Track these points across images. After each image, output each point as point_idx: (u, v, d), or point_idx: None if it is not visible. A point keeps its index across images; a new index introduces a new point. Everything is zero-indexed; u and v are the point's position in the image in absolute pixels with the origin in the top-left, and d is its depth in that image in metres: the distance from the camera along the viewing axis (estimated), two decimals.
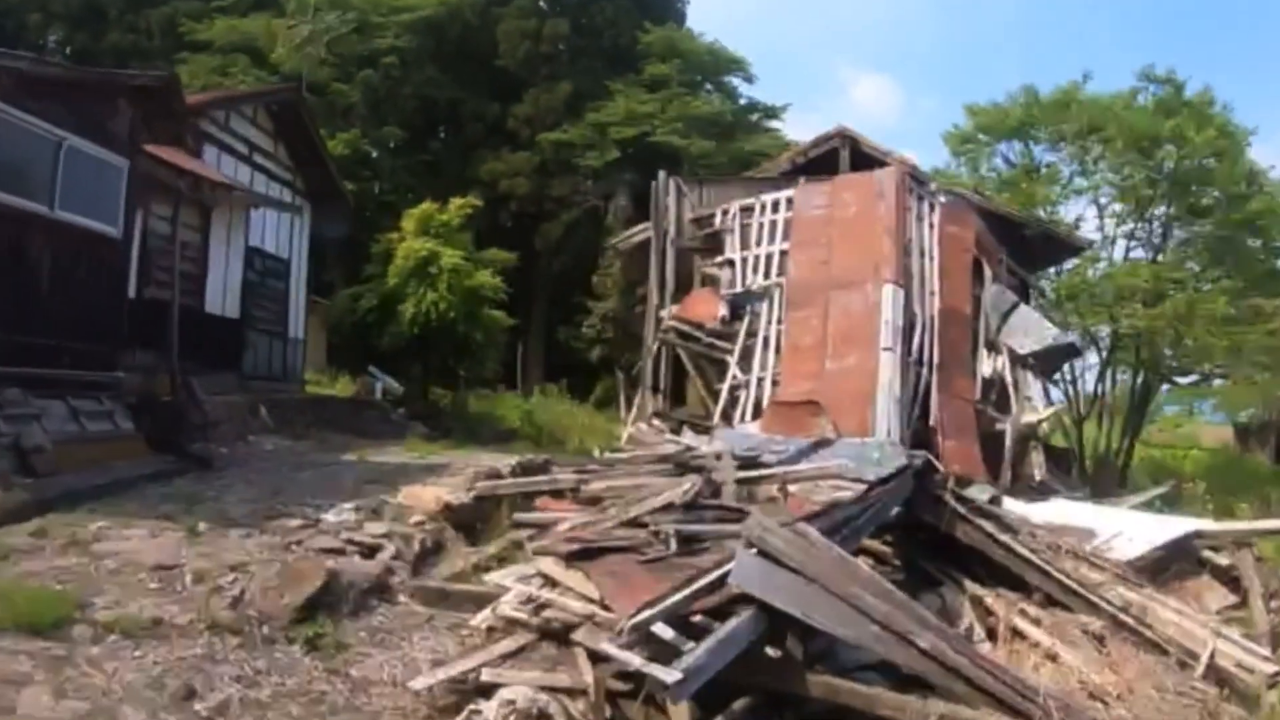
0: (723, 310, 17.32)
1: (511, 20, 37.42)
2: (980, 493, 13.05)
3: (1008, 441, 15.98)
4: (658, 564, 8.12)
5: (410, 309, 19.88)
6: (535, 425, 23.67)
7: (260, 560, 8.16)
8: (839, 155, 19.38)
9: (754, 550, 7.06)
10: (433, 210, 21.76)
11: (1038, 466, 16.02)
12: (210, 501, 10.29)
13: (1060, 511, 12.95)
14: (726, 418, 16.13)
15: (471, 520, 11.88)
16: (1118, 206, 23.80)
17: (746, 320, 17.15)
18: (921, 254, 17.14)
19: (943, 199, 18.43)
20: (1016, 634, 9.12)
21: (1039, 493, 15.09)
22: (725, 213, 18.63)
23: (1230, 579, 11.14)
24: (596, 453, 15.01)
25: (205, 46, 35.08)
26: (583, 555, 8.18)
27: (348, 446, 15.42)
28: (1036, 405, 16.76)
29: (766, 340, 16.67)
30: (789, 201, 18.27)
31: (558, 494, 11.93)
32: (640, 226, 20.13)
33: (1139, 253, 24.79)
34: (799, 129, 40.81)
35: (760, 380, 16.27)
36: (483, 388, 25.63)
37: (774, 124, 42.26)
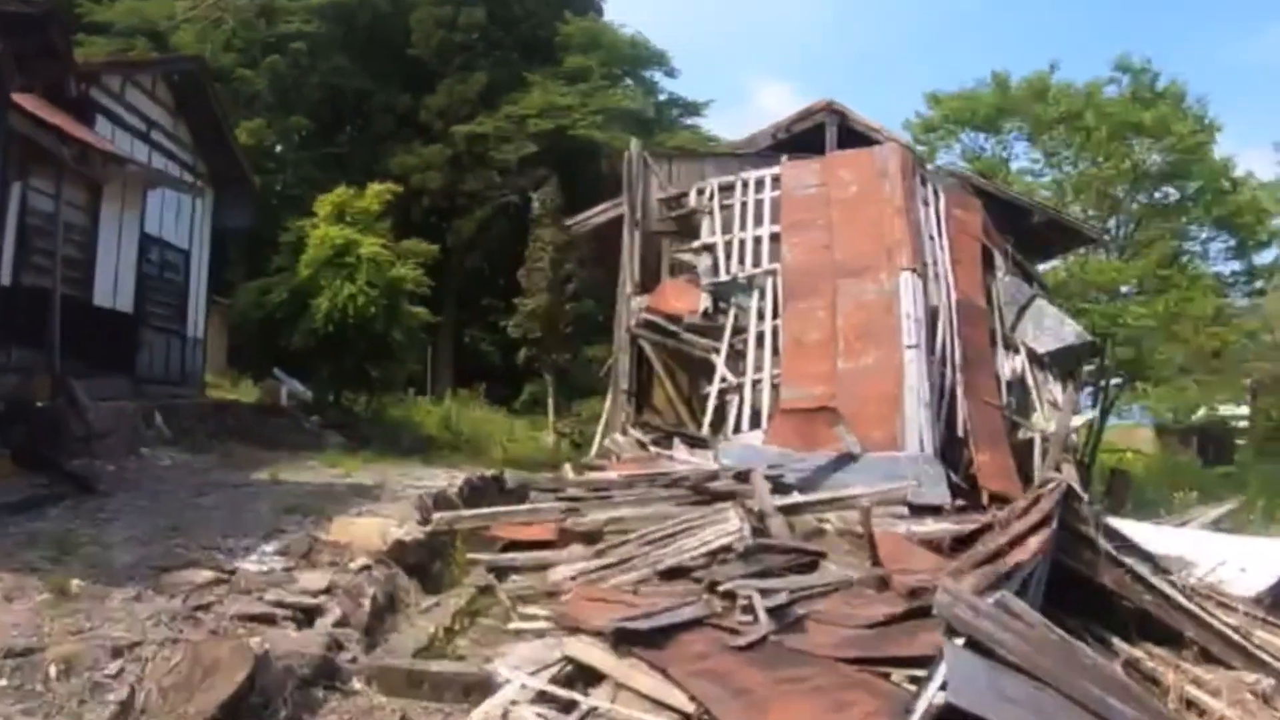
0: (704, 302, 14.78)
1: (425, 7, 35.25)
2: None
3: (1038, 452, 13.81)
4: (763, 652, 5.50)
5: (325, 304, 17.02)
6: (455, 432, 21.98)
7: (156, 639, 5.48)
8: (824, 132, 17.00)
9: (963, 641, 4.62)
10: (349, 195, 18.93)
11: (1071, 480, 13.83)
12: (89, 544, 7.33)
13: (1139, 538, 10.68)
14: (716, 427, 13.57)
15: (425, 560, 9.29)
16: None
17: (732, 314, 14.64)
18: (931, 239, 14.89)
19: (945, 180, 16.27)
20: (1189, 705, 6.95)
21: None
22: (701, 192, 16.14)
23: None
24: (569, 471, 12.29)
25: (104, 29, 31.72)
26: (636, 636, 5.55)
27: (257, 461, 12.48)
28: (1062, 410, 14.63)
29: (761, 336, 14.16)
30: (775, 180, 15.86)
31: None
32: (600, 207, 17.49)
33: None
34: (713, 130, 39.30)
35: (757, 383, 13.74)
36: (394, 392, 22.96)
37: (695, 120, 40.87)
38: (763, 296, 14.59)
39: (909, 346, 13.10)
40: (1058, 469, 13.80)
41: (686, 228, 16.29)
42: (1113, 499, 15.99)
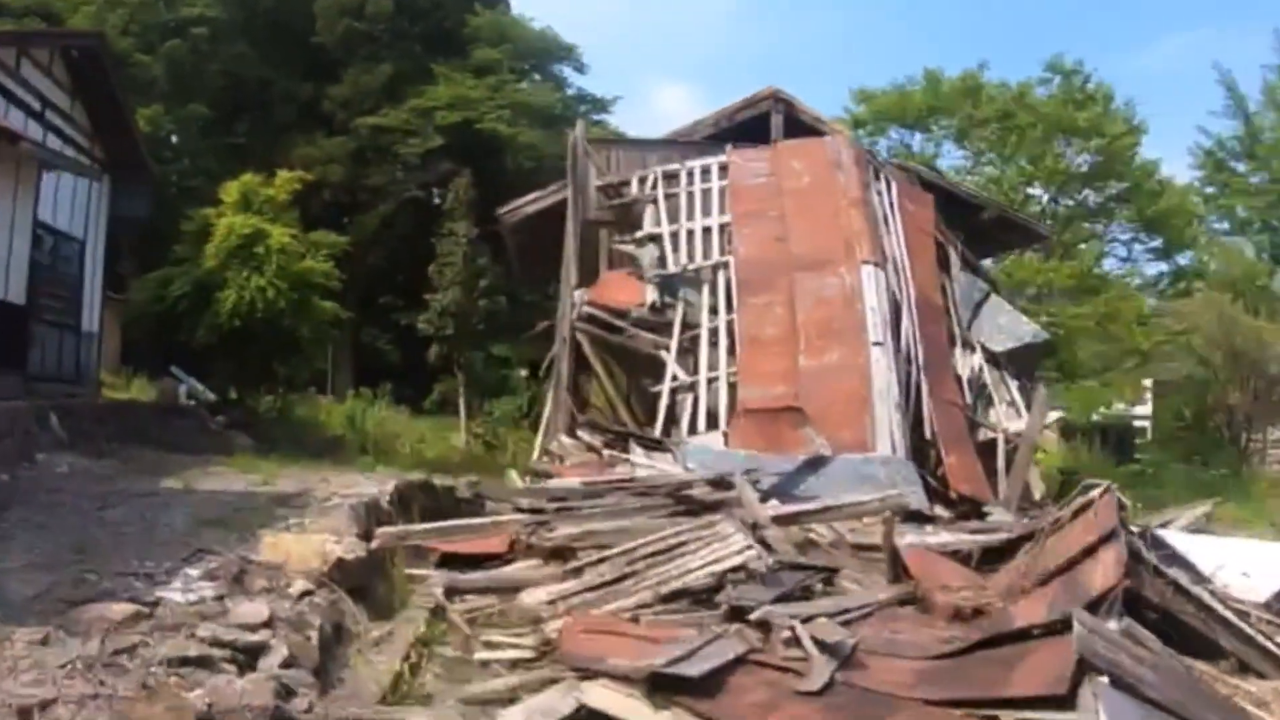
0: (651, 295, 13.79)
1: None
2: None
3: (1001, 452, 13.24)
4: (838, 696, 4.56)
5: (231, 297, 15.50)
6: (362, 433, 20.61)
7: (73, 696, 4.37)
8: (768, 121, 16.18)
9: (1108, 679, 3.78)
10: (256, 182, 17.44)
11: (1036, 483, 13.33)
12: None
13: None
14: (668, 428, 12.62)
15: (365, 579, 8.14)
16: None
17: (680, 308, 13.70)
18: (888, 234, 14.22)
19: (896, 174, 15.64)
20: None
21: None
22: (643, 181, 15.17)
23: None
24: (516, 478, 11.19)
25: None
26: (678, 681, 4.57)
27: (164, 467, 11.09)
28: (1020, 410, 14.11)
29: (714, 332, 13.26)
30: (722, 169, 15.00)
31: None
32: (532, 195, 16.38)
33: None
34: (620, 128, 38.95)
35: (711, 382, 12.82)
36: (298, 391, 21.61)
37: (603, 117, 40.06)
38: (714, 290, 13.71)
39: (875, 344, 12.38)
40: (1026, 466, 13.40)
41: (627, 218, 15.30)
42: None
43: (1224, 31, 72.15)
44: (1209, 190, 28.14)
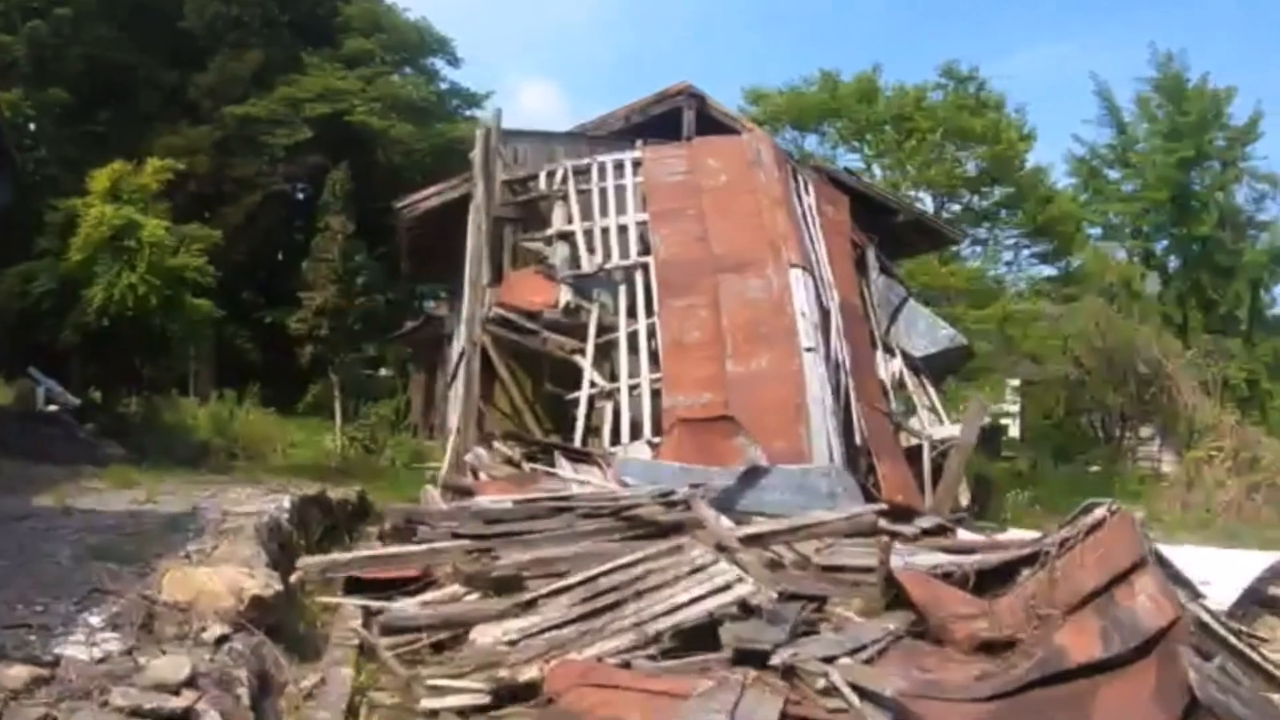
0: (564, 296, 12.98)
1: None
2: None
3: (926, 459, 12.98)
4: None
5: (100, 294, 13.99)
6: (231, 437, 19.51)
7: None
8: (680, 117, 15.57)
9: None
10: (125, 170, 15.89)
11: (964, 490, 13.10)
12: None
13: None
14: (586, 440, 11.84)
15: (281, 615, 7.17)
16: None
17: (595, 310, 12.95)
18: (809, 236, 13.78)
19: (811, 174, 15.26)
20: None
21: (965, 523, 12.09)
22: (551, 175, 14.34)
23: None
24: (436, 494, 10.24)
25: None
26: None
27: (33, 481, 9.81)
28: (941, 416, 13.89)
29: (634, 336, 12.55)
30: (635, 164, 14.31)
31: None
32: (435, 188, 15.31)
33: None
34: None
35: (634, 388, 12.10)
36: (165, 393, 20.14)
37: (475, 112, 39.04)
38: (631, 292, 12.99)
39: (807, 350, 11.87)
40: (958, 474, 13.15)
41: (533, 214, 14.47)
42: (978, 506, 15.40)
43: (1083, 44, 75.80)
44: (1083, 197, 29.03)
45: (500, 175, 14.57)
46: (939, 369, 14.74)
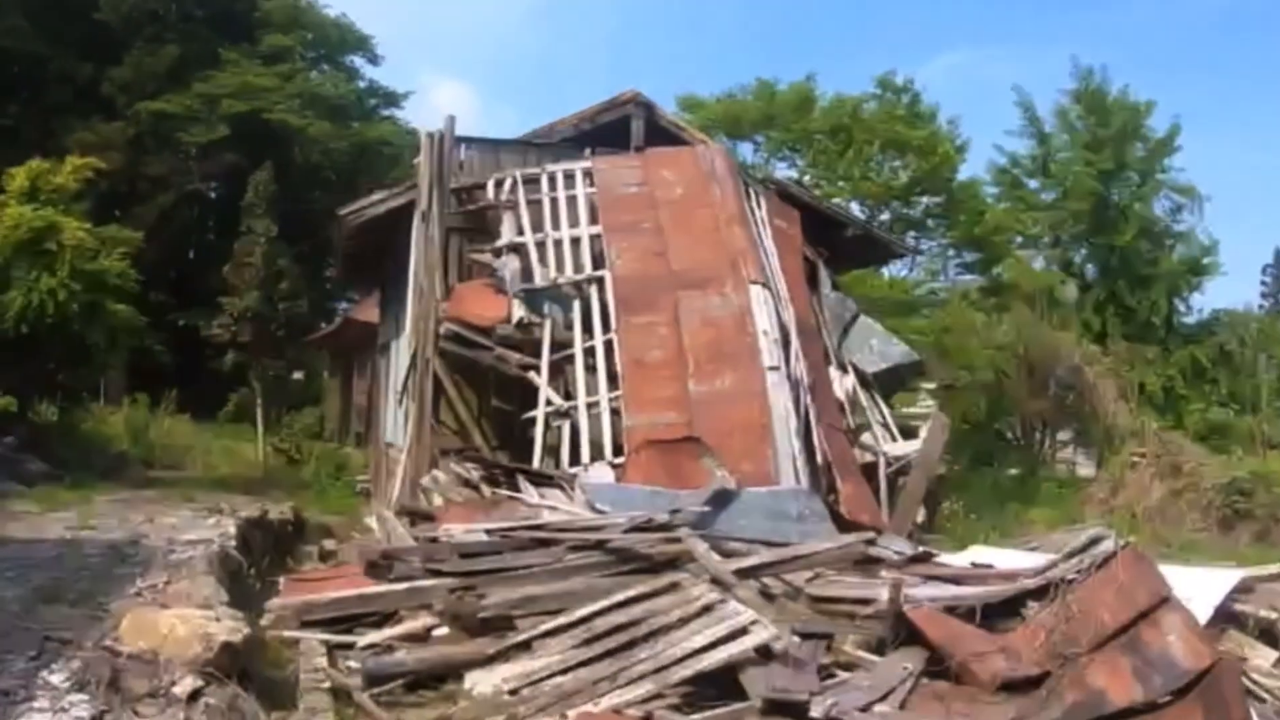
0: (518, 310, 12.59)
1: None
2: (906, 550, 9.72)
3: (883, 476, 12.92)
4: None
5: (19, 300, 13.18)
6: (148, 447, 19.46)
7: None
8: (629, 126, 15.27)
9: None
10: (43, 168, 15.01)
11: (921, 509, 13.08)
12: None
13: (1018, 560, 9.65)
14: (543, 461, 11.48)
15: (250, 658, 6.79)
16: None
17: (549, 325, 12.59)
18: (764, 251, 13.61)
19: (761, 187, 15.10)
20: None
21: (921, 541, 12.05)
22: (500, 184, 13.92)
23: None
24: (396, 522, 9.79)
25: None
26: None
27: None
28: (894, 433, 13.85)
29: (590, 353, 12.22)
30: (587, 175, 13.98)
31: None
32: (379, 195, 14.73)
33: None
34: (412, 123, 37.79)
35: (592, 407, 11.77)
36: (77, 402, 19.31)
37: (393, 112, 38.66)
38: (586, 307, 12.66)
39: (771, 369, 11.67)
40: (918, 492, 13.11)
41: (480, 224, 14.04)
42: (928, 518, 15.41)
43: (989, 52, 77.60)
44: (1004, 206, 29.56)
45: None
46: (889, 385, 14.71)
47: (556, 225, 13.44)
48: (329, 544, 13.92)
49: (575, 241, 13.26)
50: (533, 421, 11.98)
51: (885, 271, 24.84)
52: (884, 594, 6.88)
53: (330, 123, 31.75)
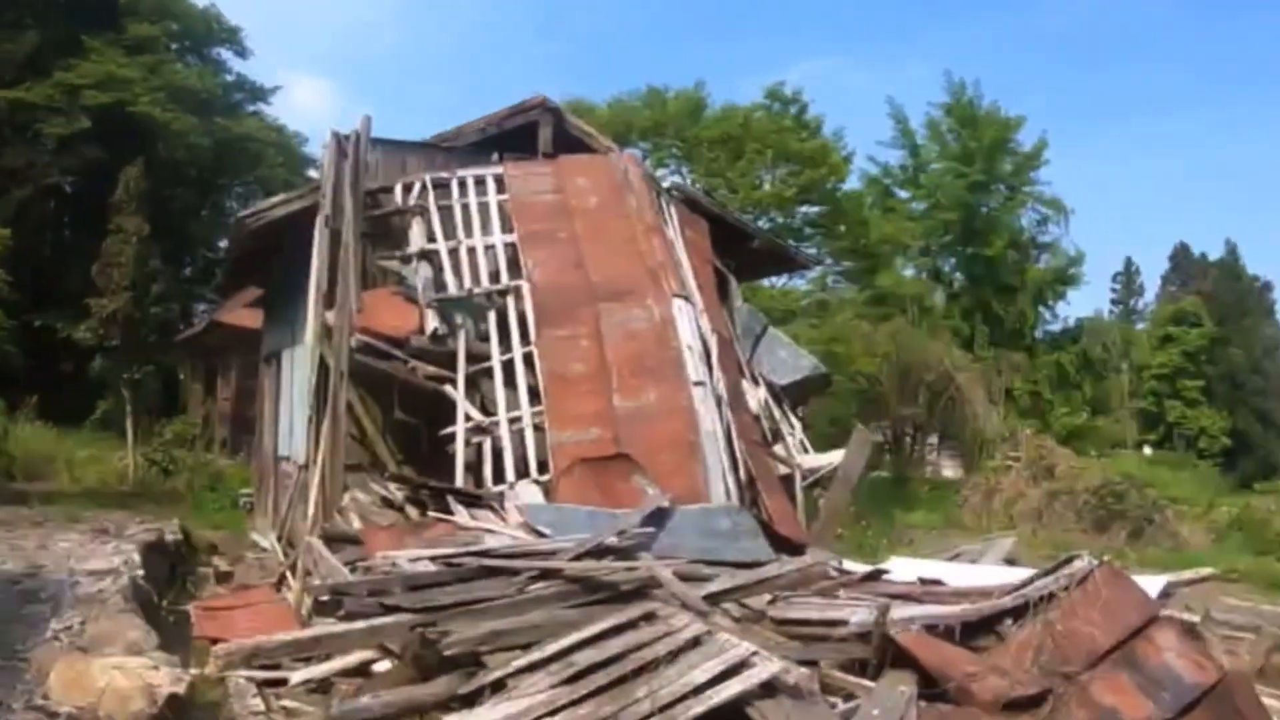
0: (431, 321, 12.15)
1: None
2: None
3: (799, 490, 12.97)
4: None
5: None
6: (7, 456, 18.89)
7: None
8: (537, 131, 14.93)
9: None
10: None
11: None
12: None
13: (962, 575, 9.80)
14: (477, 482, 11.08)
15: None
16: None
17: (462, 337, 12.19)
18: (679, 262, 13.49)
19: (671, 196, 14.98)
20: None
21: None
22: (408, 189, 13.42)
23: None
24: (320, 548, 9.27)
25: None
26: None
27: None
28: (806, 446, 13.93)
29: (510, 366, 11.86)
30: (498, 181, 13.61)
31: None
32: (280, 198, 13.98)
33: None
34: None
35: (514, 422, 11.42)
36: None
37: (260, 107, 37.30)
38: (503, 319, 12.29)
39: (696, 384, 11.56)
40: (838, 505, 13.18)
41: (384, 230, 13.49)
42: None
43: (847, 60, 79.82)
44: (875, 214, 30.40)
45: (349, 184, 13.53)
46: (797, 397, 14.79)
47: (469, 232, 13.03)
48: (221, 563, 13.24)
49: (489, 249, 12.88)
50: (447, 438, 11.56)
51: (766, 281, 25.24)
52: (853, 615, 6.84)
53: (196, 117, 30.34)
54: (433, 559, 7.90)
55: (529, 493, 10.55)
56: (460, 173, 13.61)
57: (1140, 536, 21.12)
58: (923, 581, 8.43)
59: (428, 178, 13.45)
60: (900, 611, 6.80)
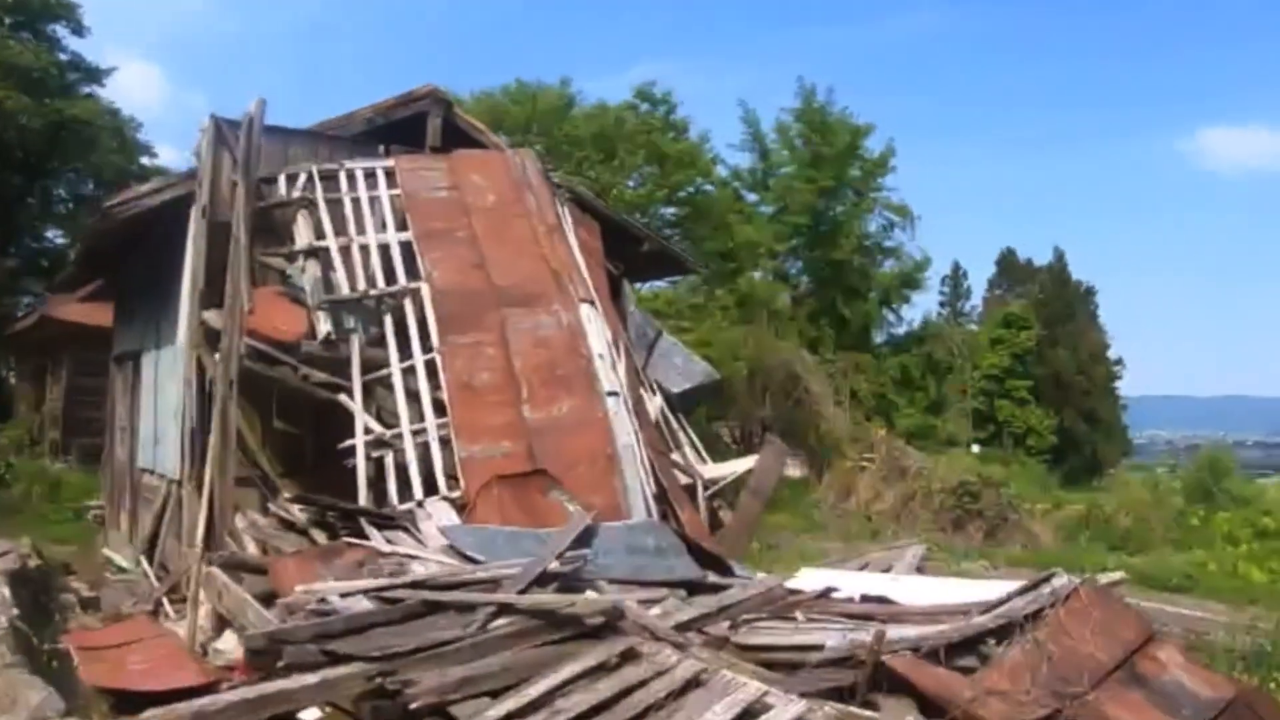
0: (324, 325, 11.33)
1: None
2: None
3: (702, 499, 12.78)
4: None
5: None
6: None
7: None
8: (425, 124, 14.18)
9: None
10: None
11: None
12: None
13: (892, 587, 9.78)
14: (379, 499, 10.35)
15: None
16: None
17: (356, 343, 11.43)
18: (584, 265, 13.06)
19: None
20: None
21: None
22: (292, 179, 12.50)
23: None
24: (229, 582, 8.45)
25: None
26: None
27: None
28: (703, 454, 13.76)
29: (412, 373, 11.18)
30: (389, 175, 12.85)
31: None
32: (155, 184, 12.70)
33: None
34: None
35: (417, 435, 10.76)
36: None
37: (94, 89, 34.40)
38: (400, 323, 11.58)
39: (610, 394, 11.17)
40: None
41: (265, 224, 12.52)
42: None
43: (682, 64, 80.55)
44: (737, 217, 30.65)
45: (228, 174, 12.51)
46: (689, 404, 14.62)
47: (361, 229, 12.25)
48: (81, 587, 12.09)
49: (383, 248, 12.13)
50: (333, 450, 10.83)
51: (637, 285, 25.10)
52: (827, 639, 6.61)
53: (26, 96, 27.73)
54: (365, 593, 7.27)
55: (441, 512, 9.93)
56: (349, 164, 12.80)
57: (995, 535, 21.99)
58: (867, 599, 8.31)
59: (314, 169, 12.57)
60: (896, 632, 6.62)
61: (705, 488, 12.97)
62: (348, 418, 11.02)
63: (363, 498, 10.23)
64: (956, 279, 50.07)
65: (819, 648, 6.53)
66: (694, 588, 8.59)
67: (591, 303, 12.02)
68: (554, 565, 7.92)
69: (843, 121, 32.34)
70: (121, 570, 13.28)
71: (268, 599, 8.05)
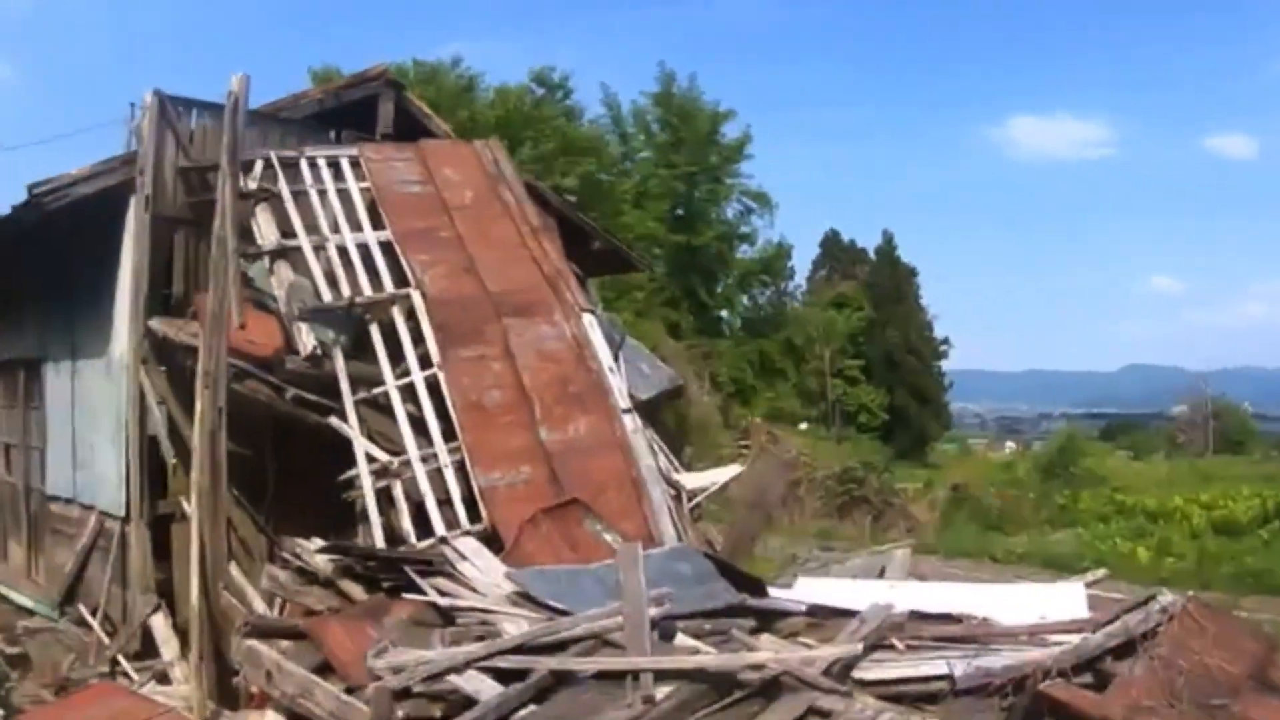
0: (309, 339, 10.16)
1: None
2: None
3: (684, 507, 12.35)
4: None
5: None
6: None
7: None
8: (376, 108, 12.97)
9: None
10: None
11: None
12: None
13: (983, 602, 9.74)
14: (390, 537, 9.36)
15: None
16: None
17: (340, 357, 10.32)
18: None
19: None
20: None
21: None
22: (248, 167, 11.10)
23: None
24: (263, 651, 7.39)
25: None
26: None
27: None
28: (673, 462, 13.31)
29: (412, 392, 10.18)
30: (355, 165, 11.69)
31: None
32: (86, 170, 10.87)
33: None
34: None
35: (428, 460, 9.80)
36: None
37: None
38: (391, 336, 10.51)
39: (626, 411, 10.57)
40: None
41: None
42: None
43: (502, 43, 78.86)
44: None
45: (173, 160, 11.05)
46: (651, 410, 14.11)
47: (335, 227, 11.07)
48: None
49: (364, 249, 11.00)
50: (294, 475, 9.94)
51: None
52: (955, 668, 6.36)
53: None
54: (469, 665, 6.45)
55: (474, 551, 9.07)
56: (310, 152, 11.59)
57: (880, 519, 22.65)
58: (951, 618, 8.11)
59: (273, 154, 11.28)
60: (993, 660, 6.46)
61: (688, 499, 12.54)
62: (315, 438, 9.98)
63: (378, 537, 9.26)
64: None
65: (948, 678, 6.31)
66: (737, 613, 8.18)
67: (592, 310, 11.36)
68: (653, 611, 7.34)
69: (702, 108, 32.29)
70: (26, 612, 11.64)
71: (318, 672, 7.09)
